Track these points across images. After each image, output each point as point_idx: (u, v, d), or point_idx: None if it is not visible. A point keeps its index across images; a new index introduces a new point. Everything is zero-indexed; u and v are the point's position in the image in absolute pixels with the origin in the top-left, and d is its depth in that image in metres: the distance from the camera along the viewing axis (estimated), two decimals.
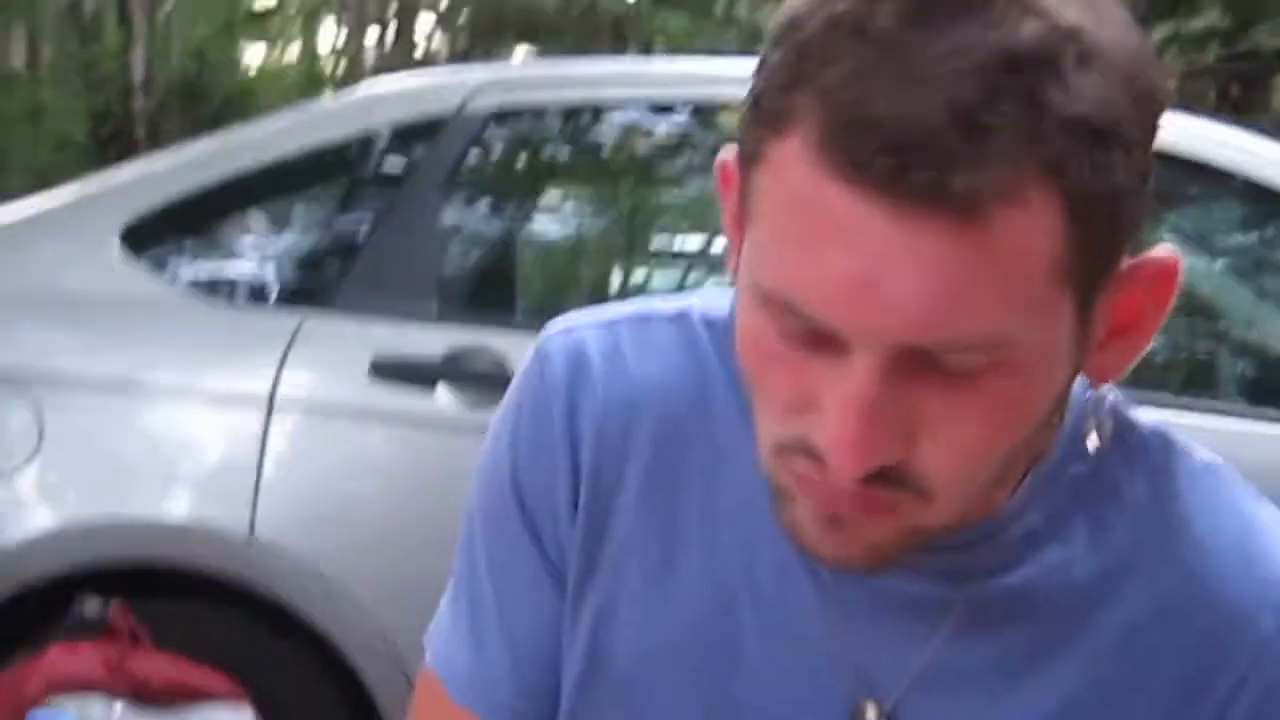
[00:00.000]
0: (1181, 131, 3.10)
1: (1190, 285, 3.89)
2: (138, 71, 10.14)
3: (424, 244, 3.22)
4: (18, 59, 12.35)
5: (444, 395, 2.98)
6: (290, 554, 2.94)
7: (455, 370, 2.99)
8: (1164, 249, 0.87)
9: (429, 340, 3.01)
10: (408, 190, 3.19)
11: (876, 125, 0.71)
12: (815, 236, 0.76)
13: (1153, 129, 0.79)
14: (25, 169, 7.67)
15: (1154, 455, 0.95)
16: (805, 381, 0.81)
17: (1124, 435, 0.95)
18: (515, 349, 2.89)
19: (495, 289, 3.59)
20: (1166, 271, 0.86)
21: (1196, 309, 3.75)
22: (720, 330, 1.01)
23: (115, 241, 3.12)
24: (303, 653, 2.99)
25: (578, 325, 1.04)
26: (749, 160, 0.82)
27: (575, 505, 1.00)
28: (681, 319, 1.03)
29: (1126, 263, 0.84)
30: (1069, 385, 0.87)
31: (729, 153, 0.91)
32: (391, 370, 2.98)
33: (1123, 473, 0.95)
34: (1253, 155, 3.11)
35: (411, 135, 3.26)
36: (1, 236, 3.31)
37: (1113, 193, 0.76)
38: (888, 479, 0.80)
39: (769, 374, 0.85)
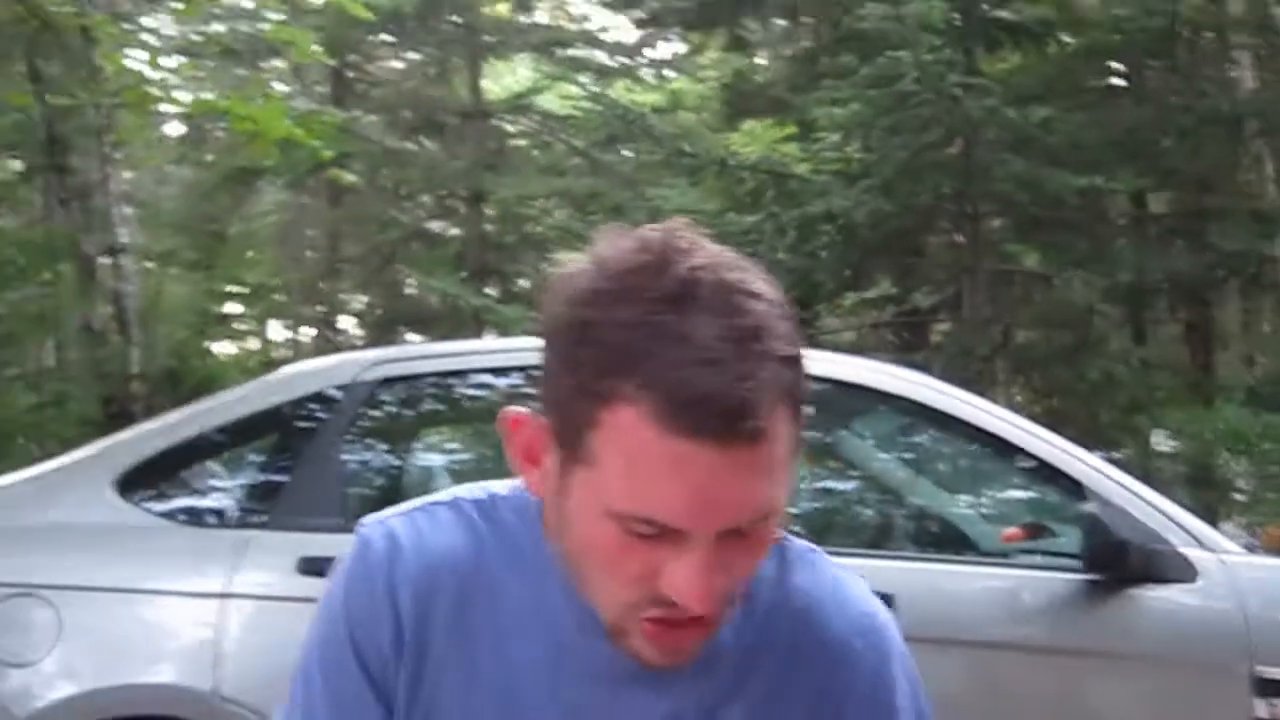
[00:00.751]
0: (865, 369, 3.88)
1: (876, 471, 4.79)
2: (134, 366, 11.33)
3: (332, 477, 3.62)
4: (49, 360, 13.89)
5: None
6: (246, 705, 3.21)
7: None
8: None
9: (339, 542, 3.69)
10: (319, 439, 3.64)
11: (703, 401, 0.98)
12: (664, 475, 1.00)
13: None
14: (58, 443, 8.77)
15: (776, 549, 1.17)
16: (652, 561, 1.04)
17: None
18: None
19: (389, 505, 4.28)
20: None
21: (880, 487, 4.45)
22: (484, 509, 1.21)
23: (110, 486, 3.49)
24: None
25: (386, 517, 1.21)
26: (579, 422, 1.03)
27: (399, 651, 1.15)
28: (455, 505, 1.21)
29: None
30: None
31: (514, 411, 1.12)
32: (313, 566, 3.24)
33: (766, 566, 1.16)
34: (913, 383, 3.84)
35: (321, 399, 3.69)
36: (34, 484, 3.71)
37: (805, 391, 1.04)
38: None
39: (616, 561, 1.05)
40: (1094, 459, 3.79)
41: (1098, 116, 10.68)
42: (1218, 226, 11.06)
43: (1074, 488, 3.70)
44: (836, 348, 8.10)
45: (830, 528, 4.20)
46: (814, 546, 1.26)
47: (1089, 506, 3.61)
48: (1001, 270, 10.33)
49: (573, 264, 1.08)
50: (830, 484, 4.45)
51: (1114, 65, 12.06)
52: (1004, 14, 10.35)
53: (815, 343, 8.19)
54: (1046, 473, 3.77)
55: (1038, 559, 3.76)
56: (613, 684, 1.15)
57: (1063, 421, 9.46)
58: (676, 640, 1.08)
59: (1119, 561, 3.51)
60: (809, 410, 1.09)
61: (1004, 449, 3.85)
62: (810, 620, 1.21)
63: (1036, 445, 3.76)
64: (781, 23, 13.88)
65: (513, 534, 1.19)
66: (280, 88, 13.72)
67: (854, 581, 1.25)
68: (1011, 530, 3.96)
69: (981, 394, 3.87)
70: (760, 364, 1.00)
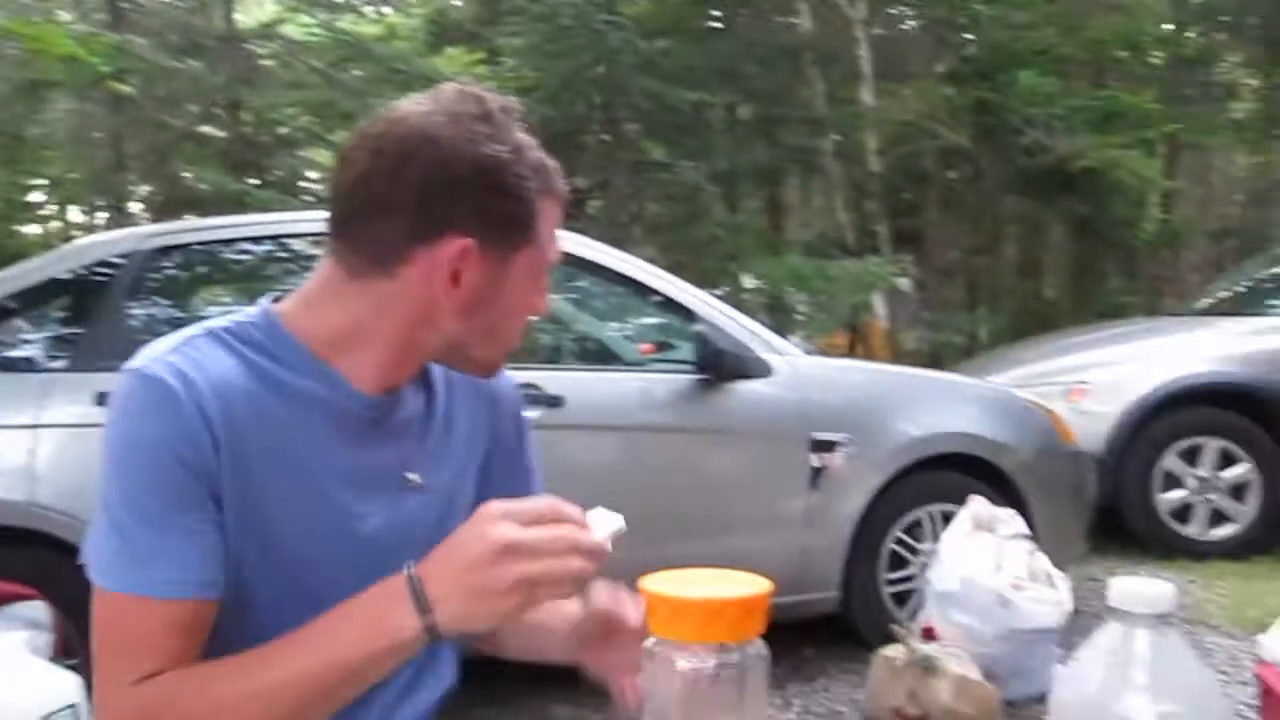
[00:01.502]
0: None
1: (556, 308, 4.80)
2: None
3: (121, 328, 3.38)
4: None
5: None
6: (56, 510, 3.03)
7: None
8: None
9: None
10: (107, 297, 3.41)
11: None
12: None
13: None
14: None
15: None
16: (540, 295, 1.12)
17: None
18: None
19: None
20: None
21: (553, 318, 4.69)
22: (237, 334, 1.09)
23: None
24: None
25: (159, 355, 1.04)
26: (529, 217, 1.07)
27: (218, 456, 1.01)
28: (212, 335, 1.08)
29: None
30: None
31: (459, 243, 1.04)
32: (107, 400, 3.42)
33: None
34: (575, 243, 3.63)
35: (107, 265, 3.46)
36: None
37: None
38: None
39: (534, 304, 1.12)
40: (702, 294, 3.90)
41: (703, 49, 10.84)
42: (784, 129, 11.47)
43: (688, 315, 3.79)
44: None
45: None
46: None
47: (699, 327, 3.71)
48: (637, 161, 10.44)
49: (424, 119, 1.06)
50: None
51: (714, 11, 12.21)
52: None
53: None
54: (669, 304, 3.86)
55: (665, 366, 3.82)
56: (378, 441, 1.12)
57: (680, 269, 9.67)
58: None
59: (719, 365, 3.64)
60: None
61: (640, 289, 3.89)
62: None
63: (662, 285, 3.85)
64: None
65: (267, 347, 1.09)
66: (63, 15, 12.32)
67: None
68: (646, 345, 4.07)
69: (623, 251, 3.87)
70: None
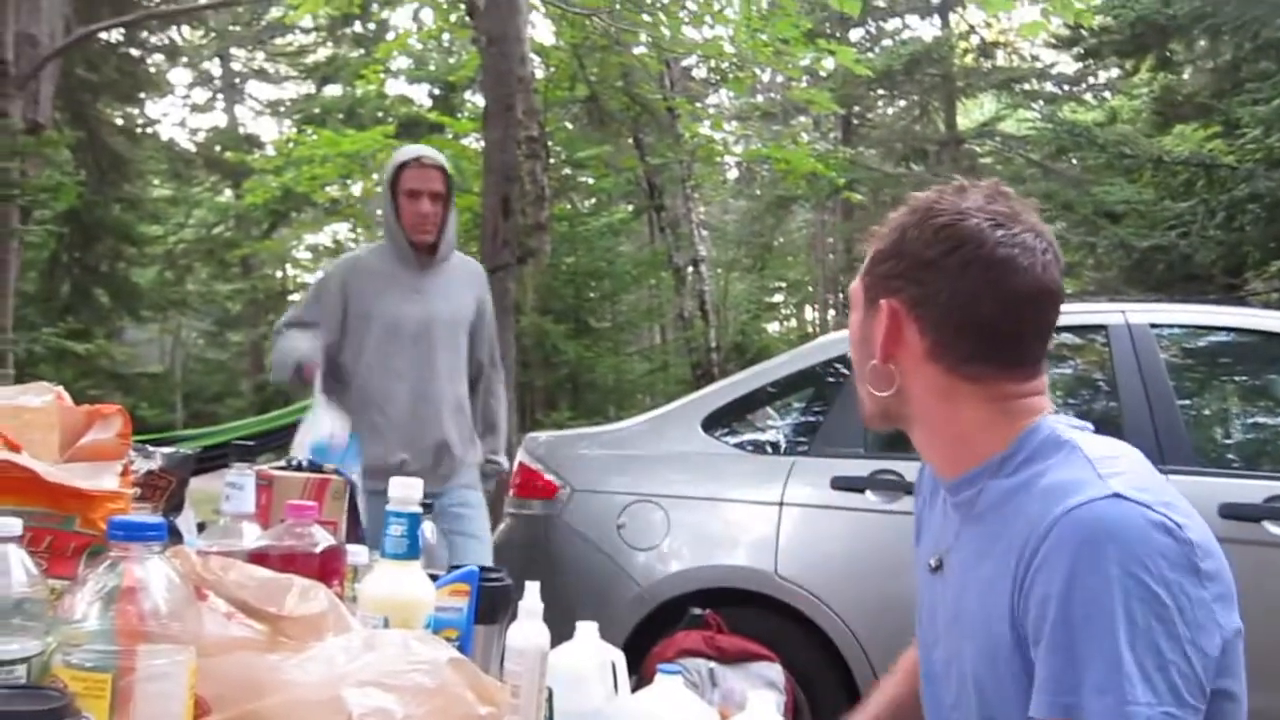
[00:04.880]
0: None
1: None
2: (713, 341, 11.85)
3: (856, 418, 3.89)
4: (657, 339, 14.73)
5: (870, 496, 3.27)
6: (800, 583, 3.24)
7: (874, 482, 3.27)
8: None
9: (860, 466, 3.31)
10: (844, 388, 3.47)
11: None
12: None
13: None
14: (663, 397, 9.61)
15: None
16: None
17: None
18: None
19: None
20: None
21: None
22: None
23: (699, 426, 3.58)
24: (807, 637, 3.22)
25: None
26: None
27: None
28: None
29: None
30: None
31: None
32: (840, 483, 3.31)
33: None
34: None
35: (844, 360, 3.47)
36: (648, 425, 3.77)
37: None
38: None
39: None
40: None
41: None
42: None
43: None
44: (1265, 305, 7.13)
45: (1264, 455, 3.69)
46: (1091, 456, 1.07)
47: None
48: None
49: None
50: (1264, 419, 3.92)
51: None
52: None
53: (1243, 303, 7.26)
54: None
55: None
56: None
57: None
58: None
59: None
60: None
61: None
62: (1033, 498, 1.06)
63: None
64: (1203, 43, 12.39)
65: None
66: (804, 136, 13.85)
67: (1091, 483, 1.02)
68: None
69: None
70: None
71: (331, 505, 1.57)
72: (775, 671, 3.15)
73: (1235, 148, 9.23)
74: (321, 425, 2.76)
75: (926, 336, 1.11)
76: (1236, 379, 3.88)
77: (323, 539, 1.25)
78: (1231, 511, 2.87)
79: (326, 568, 1.21)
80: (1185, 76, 13.40)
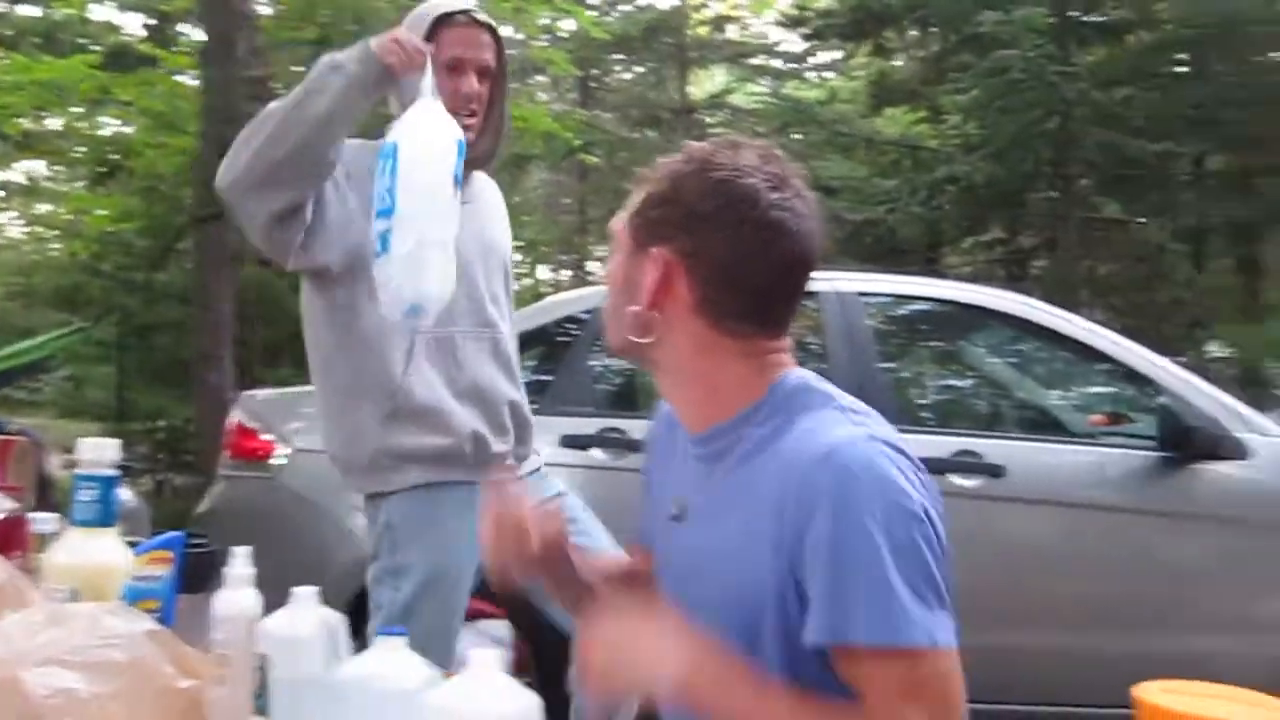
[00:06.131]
0: (981, 293, 3.65)
1: (989, 371, 4.56)
2: None
3: (585, 376, 3.52)
4: None
5: (597, 454, 3.29)
6: None
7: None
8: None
9: (591, 424, 3.32)
10: (573, 348, 3.53)
11: None
12: None
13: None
14: None
15: None
16: None
17: None
18: None
19: (628, 399, 3.90)
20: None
21: (993, 384, 4.26)
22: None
23: None
24: None
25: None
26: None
27: None
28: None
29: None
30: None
31: None
32: (571, 442, 3.29)
33: None
34: (1019, 304, 3.59)
35: (573, 320, 3.59)
36: None
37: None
38: None
39: None
40: (1166, 362, 3.55)
41: (1169, 96, 10.00)
42: (1266, 180, 10.28)
43: (1148, 385, 3.47)
44: (958, 278, 7.80)
45: (952, 415, 4.04)
46: (844, 405, 1.14)
47: (1163, 399, 3.38)
48: (1088, 218, 9.81)
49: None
50: (953, 382, 4.28)
51: (1181, 55, 11.23)
52: (1092, 17, 9.76)
53: (941, 275, 7.91)
54: (1126, 373, 3.55)
55: (1119, 440, 3.50)
56: None
57: (1134, 335, 8.91)
58: None
59: (1187, 442, 3.29)
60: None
61: (1091, 355, 3.62)
62: (791, 443, 1.10)
63: (1119, 352, 3.55)
64: (914, 32, 13.32)
65: None
66: (541, 95, 13.83)
67: (846, 426, 1.09)
68: (1096, 417, 3.75)
69: (1072, 313, 3.63)
70: None
71: (15, 469, 1.43)
72: (503, 629, 3.14)
73: (938, 132, 10.02)
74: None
75: (697, 290, 1.11)
76: (932, 345, 4.21)
77: (2, 506, 1.14)
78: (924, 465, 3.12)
79: (7, 537, 1.10)
80: (898, 63, 14.35)
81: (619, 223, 1.19)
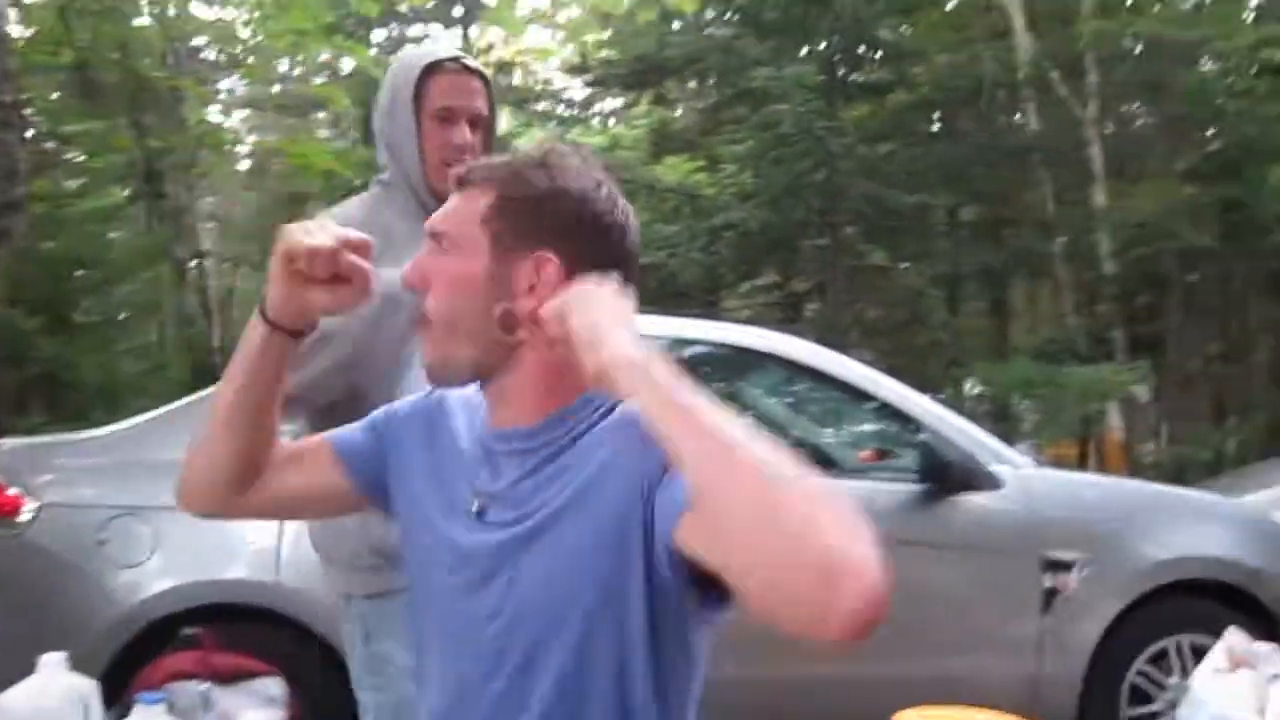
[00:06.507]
0: (757, 335, 3.81)
1: (765, 411, 4.76)
2: (215, 341, 11.32)
3: None
4: (154, 336, 13.54)
5: None
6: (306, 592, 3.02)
7: None
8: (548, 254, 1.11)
9: None
10: None
11: None
12: None
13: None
14: (148, 403, 8.58)
15: None
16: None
17: None
18: None
19: None
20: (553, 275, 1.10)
21: (769, 423, 4.62)
22: None
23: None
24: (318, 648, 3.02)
25: None
26: None
27: None
28: None
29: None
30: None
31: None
32: None
33: None
34: (792, 346, 3.77)
35: None
36: (142, 430, 3.43)
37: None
38: None
39: None
40: (926, 400, 3.78)
41: (924, 151, 10.79)
42: (1010, 231, 11.20)
43: (911, 422, 3.69)
44: (735, 321, 8.07)
45: None
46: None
47: (923, 436, 3.60)
48: (855, 265, 10.41)
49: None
50: None
51: (936, 115, 12.16)
52: (857, 76, 10.43)
53: (719, 318, 8.17)
54: (891, 411, 3.76)
55: (885, 475, 3.70)
56: None
57: (899, 374, 9.52)
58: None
59: (944, 476, 3.51)
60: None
61: (859, 394, 3.80)
62: (621, 431, 1.11)
63: (883, 391, 3.76)
64: (693, 84, 13.81)
65: None
66: (322, 132, 13.51)
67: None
68: (865, 453, 3.96)
69: (842, 354, 3.83)
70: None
71: None
72: (276, 686, 3.02)
73: (715, 181, 10.41)
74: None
75: (566, 287, 1.11)
76: (712, 386, 4.33)
77: None
78: None
79: None
80: (678, 113, 14.82)
81: (457, 223, 1.17)
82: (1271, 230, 9.81)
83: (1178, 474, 9.21)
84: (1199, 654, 3.40)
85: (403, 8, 14.68)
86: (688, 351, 4.00)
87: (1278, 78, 11.02)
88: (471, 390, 1.22)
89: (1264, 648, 3.32)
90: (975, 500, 3.53)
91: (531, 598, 1.10)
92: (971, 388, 10.17)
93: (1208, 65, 11.20)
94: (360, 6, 6.19)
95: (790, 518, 0.87)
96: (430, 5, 15.31)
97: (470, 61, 2.05)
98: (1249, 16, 11.05)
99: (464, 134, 1.98)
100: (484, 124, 2.04)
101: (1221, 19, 10.56)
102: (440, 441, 1.26)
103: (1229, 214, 10.39)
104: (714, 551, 0.94)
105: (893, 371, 3.91)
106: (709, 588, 0.99)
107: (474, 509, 1.17)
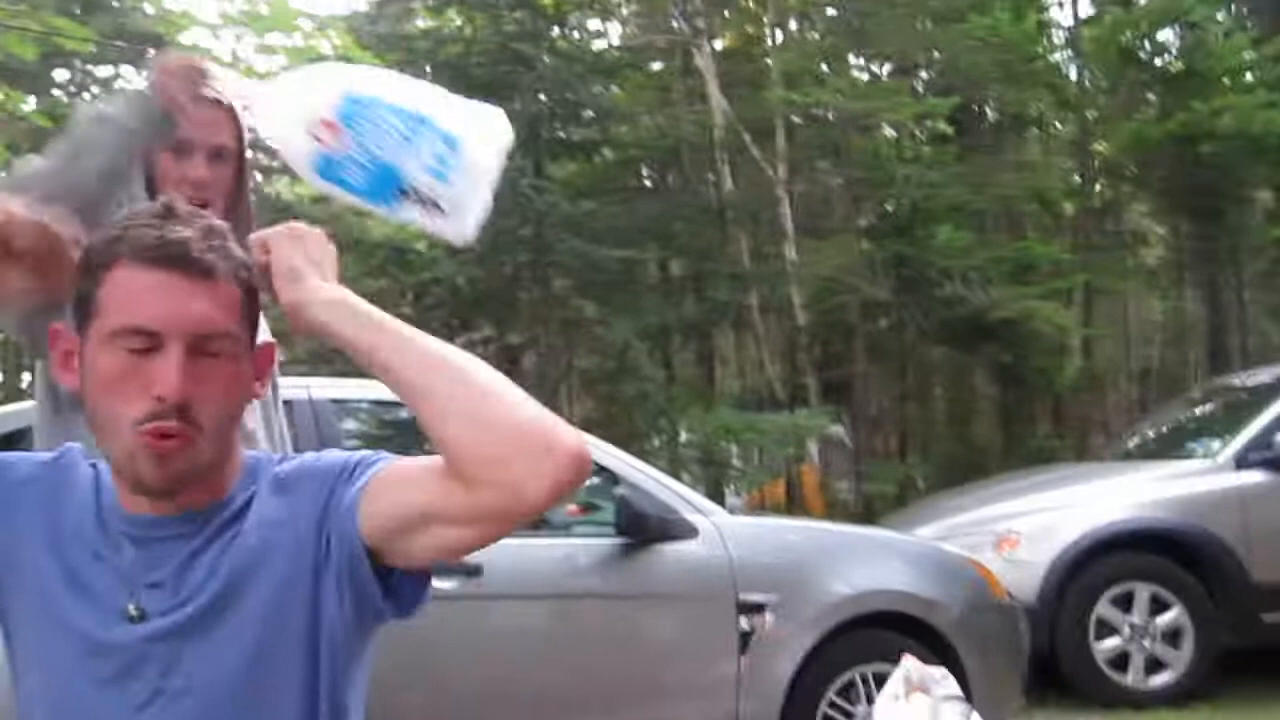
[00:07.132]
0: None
1: None
2: None
3: None
4: None
5: None
6: None
7: None
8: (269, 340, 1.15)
9: None
10: None
11: (168, 246, 1.00)
12: (144, 294, 1.00)
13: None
14: None
15: None
16: (147, 374, 1.00)
17: None
18: None
19: None
20: (269, 353, 1.11)
21: None
22: None
23: None
24: None
25: None
26: (90, 289, 1.02)
27: None
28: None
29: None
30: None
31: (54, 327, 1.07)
32: None
33: None
34: None
35: None
36: None
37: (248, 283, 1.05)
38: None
39: (121, 382, 1.00)
40: (623, 454, 3.86)
41: (630, 209, 11.15)
42: (712, 284, 11.74)
43: (610, 476, 3.75)
44: None
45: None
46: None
47: (620, 490, 3.66)
48: (568, 318, 10.58)
49: None
50: None
51: (641, 171, 12.61)
52: (562, 134, 10.67)
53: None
54: (593, 466, 3.80)
55: (589, 530, 3.75)
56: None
57: (613, 423, 9.80)
58: (168, 448, 1.01)
59: (643, 527, 3.58)
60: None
61: None
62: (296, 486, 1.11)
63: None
64: None
65: None
66: None
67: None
68: (573, 508, 3.99)
69: (556, 407, 3.84)
70: (212, 241, 1.04)
71: None
72: None
73: (425, 236, 10.28)
74: None
75: None
76: (410, 452, 4.24)
77: None
78: None
79: None
80: None
81: (233, 326, 1.08)
82: (939, 284, 10.80)
83: (868, 508, 9.88)
84: (882, 682, 3.61)
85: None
86: (387, 414, 3.90)
87: (943, 146, 12.24)
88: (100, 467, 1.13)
89: (937, 672, 3.55)
90: (673, 550, 3.62)
91: (215, 682, 1.05)
92: (682, 435, 10.53)
93: (887, 132, 12.27)
94: (17, 49, 5.62)
95: (512, 394, 0.99)
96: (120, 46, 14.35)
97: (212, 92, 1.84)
98: (917, 88, 12.18)
99: (199, 168, 1.87)
100: (232, 158, 1.94)
101: (890, 92, 11.60)
102: (67, 515, 1.13)
103: (902, 268, 11.33)
104: (416, 468, 1.05)
105: (607, 421, 3.97)
106: (389, 576, 1.07)
107: (131, 608, 1.08)
